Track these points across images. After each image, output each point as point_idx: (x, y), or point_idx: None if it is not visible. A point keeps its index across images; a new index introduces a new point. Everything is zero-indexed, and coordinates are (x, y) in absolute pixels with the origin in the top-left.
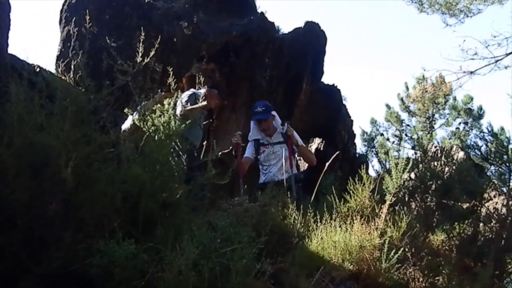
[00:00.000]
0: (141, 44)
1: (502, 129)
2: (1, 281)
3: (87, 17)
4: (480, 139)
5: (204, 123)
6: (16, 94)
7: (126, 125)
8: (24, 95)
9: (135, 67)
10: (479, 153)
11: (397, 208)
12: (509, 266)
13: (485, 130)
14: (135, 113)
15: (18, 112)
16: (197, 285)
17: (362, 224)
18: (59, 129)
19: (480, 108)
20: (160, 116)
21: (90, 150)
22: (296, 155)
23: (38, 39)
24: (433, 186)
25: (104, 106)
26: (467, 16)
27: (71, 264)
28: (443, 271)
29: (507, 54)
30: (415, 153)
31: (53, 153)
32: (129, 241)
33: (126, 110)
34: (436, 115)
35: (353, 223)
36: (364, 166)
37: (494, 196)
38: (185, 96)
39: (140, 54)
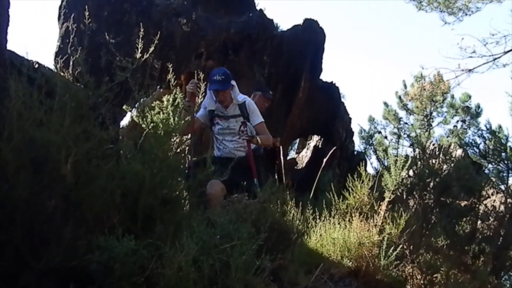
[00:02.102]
0: (140, 40)
1: (500, 127)
2: (2, 277)
3: (86, 13)
4: (479, 136)
5: None
6: (15, 89)
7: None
8: (23, 90)
9: (134, 63)
10: (477, 150)
11: (396, 205)
12: (507, 263)
13: (483, 128)
14: (133, 110)
15: (17, 107)
16: (197, 281)
17: (361, 221)
18: (58, 125)
19: (478, 106)
20: (158, 112)
21: (90, 146)
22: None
23: (36, 36)
24: (432, 184)
25: (103, 102)
26: (466, 14)
27: (71, 260)
28: (442, 268)
29: (505, 52)
30: (414, 151)
31: (53, 149)
32: (129, 237)
33: (124, 107)
34: (434, 113)
35: (352, 220)
36: (363, 164)
37: (492, 194)
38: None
39: (139, 51)
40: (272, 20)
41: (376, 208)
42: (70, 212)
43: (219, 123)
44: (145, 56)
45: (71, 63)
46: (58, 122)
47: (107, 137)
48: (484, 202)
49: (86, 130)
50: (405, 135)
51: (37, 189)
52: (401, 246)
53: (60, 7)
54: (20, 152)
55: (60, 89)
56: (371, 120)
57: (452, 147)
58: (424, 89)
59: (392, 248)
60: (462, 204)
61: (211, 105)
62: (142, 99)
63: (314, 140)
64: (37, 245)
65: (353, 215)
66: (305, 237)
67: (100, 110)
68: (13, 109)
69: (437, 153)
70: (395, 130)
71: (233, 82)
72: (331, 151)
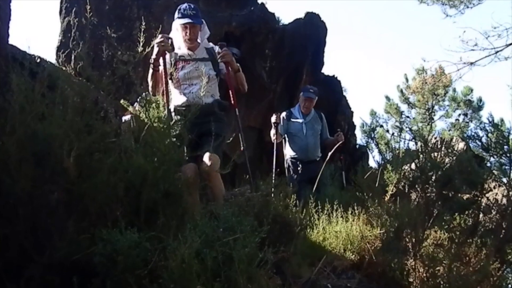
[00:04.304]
0: (141, 34)
1: (502, 120)
2: (6, 270)
3: (87, 8)
4: (481, 129)
5: None
6: (17, 83)
7: (127, 116)
8: (25, 84)
9: (135, 57)
10: (479, 143)
11: (398, 198)
12: (510, 256)
13: (485, 121)
14: (135, 104)
15: (19, 101)
16: (200, 273)
17: (363, 214)
18: (61, 119)
19: (480, 100)
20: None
21: (92, 140)
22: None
23: (38, 30)
24: (434, 177)
25: (105, 96)
26: (467, 7)
27: (75, 253)
28: (444, 262)
29: (507, 45)
30: (416, 144)
31: (55, 143)
32: (132, 229)
33: (122, 101)
34: (436, 107)
35: (355, 213)
36: (365, 157)
37: (495, 187)
38: None
39: (140, 45)
40: (273, 13)
41: (378, 201)
42: (73, 205)
43: (184, 67)
44: (146, 50)
45: (72, 57)
46: (60, 116)
47: (110, 131)
48: (487, 195)
49: (88, 124)
50: (407, 129)
51: (39, 182)
52: (403, 239)
53: (61, 2)
54: (23, 145)
55: (62, 83)
56: (373, 114)
57: (454, 140)
58: (426, 83)
59: (395, 241)
60: (464, 197)
61: (175, 48)
62: (144, 93)
63: None
64: (41, 238)
65: (355, 208)
66: (308, 230)
67: (102, 103)
68: (15, 103)
69: (439, 146)
70: (397, 124)
71: (204, 21)
72: (337, 145)
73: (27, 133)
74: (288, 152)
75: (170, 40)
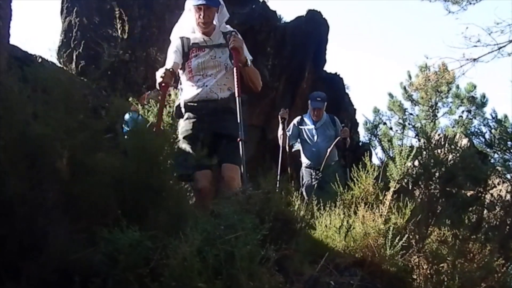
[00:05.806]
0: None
1: (506, 116)
2: (4, 269)
3: (89, 7)
4: (484, 126)
5: None
6: (10, 84)
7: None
8: (18, 85)
9: (136, 56)
10: (483, 140)
11: (401, 195)
12: None
13: (489, 117)
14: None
15: (14, 101)
16: (201, 271)
17: (366, 211)
18: (54, 119)
19: (483, 96)
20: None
21: (85, 138)
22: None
23: (39, 30)
24: (437, 174)
25: (106, 95)
26: (470, 3)
27: (75, 252)
28: (448, 258)
29: (510, 41)
30: (419, 141)
31: (47, 143)
32: (133, 228)
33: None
34: (439, 104)
35: (358, 210)
36: (368, 154)
37: (498, 183)
38: None
39: (141, 44)
40: (275, 11)
41: (381, 198)
42: (71, 205)
43: (198, 56)
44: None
45: (74, 56)
46: (54, 115)
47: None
48: (490, 191)
49: (82, 122)
50: (410, 126)
51: (34, 182)
52: (407, 236)
53: (62, 1)
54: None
55: (58, 82)
56: (376, 111)
57: (457, 136)
58: (429, 79)
59: (398, 238)
60: (468, 194)
61: (187, 31)
62: (146, 93)
63: None
64: (39, 238)
65: (358, 205)
66: (310, 227)
67: (102, 101)
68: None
69: (442, 143)
70: (400, 121)
71: (222, 2)
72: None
73: (20, 133)
74: (303, 160)
75: (172, 74)
